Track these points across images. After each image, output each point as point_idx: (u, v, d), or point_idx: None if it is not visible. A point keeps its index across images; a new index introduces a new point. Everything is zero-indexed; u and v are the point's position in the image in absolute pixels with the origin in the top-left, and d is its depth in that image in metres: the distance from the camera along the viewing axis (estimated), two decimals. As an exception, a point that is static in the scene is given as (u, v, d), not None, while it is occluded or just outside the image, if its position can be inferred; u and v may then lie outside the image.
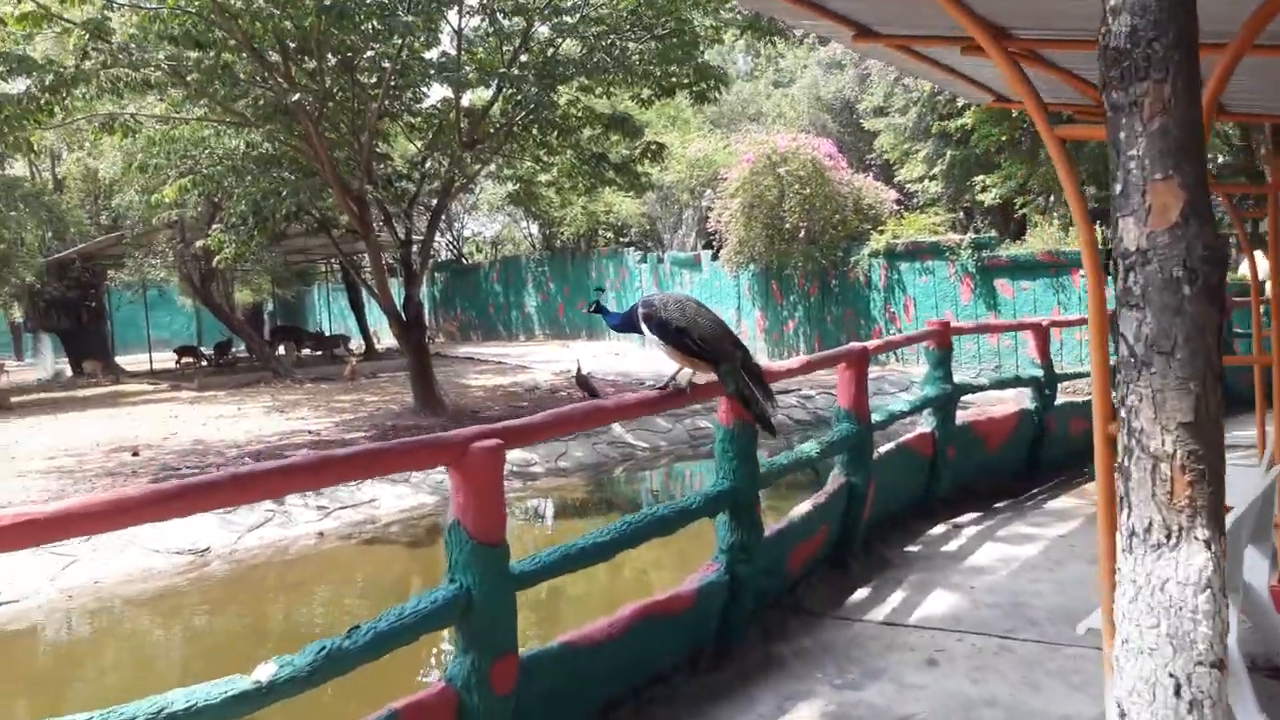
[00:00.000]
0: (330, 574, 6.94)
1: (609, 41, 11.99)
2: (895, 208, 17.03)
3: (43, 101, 8.74)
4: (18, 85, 8.80)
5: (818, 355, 5.82)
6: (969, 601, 4.70)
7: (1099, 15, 1.69)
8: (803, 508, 4.94)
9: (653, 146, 13.70)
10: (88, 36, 9.38)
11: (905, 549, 5.70)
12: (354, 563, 7.13)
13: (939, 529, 6.12)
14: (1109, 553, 2.32)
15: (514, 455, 10.02)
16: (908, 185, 19.73)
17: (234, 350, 24.74)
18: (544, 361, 19.62)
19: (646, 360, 19.53)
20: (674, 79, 12.82)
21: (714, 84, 13.03)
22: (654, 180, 16.04)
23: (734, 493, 4.05)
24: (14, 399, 18.23)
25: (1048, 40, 3.24)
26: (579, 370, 14.44)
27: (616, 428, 11.29)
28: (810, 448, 5.09)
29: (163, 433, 12.17)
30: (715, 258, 19.00)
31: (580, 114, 13.20)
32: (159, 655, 5.92)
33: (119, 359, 25.31)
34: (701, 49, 12.82)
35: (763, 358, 18.21)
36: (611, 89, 13.50)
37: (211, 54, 10.39)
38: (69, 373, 23.97)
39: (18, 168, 21.41)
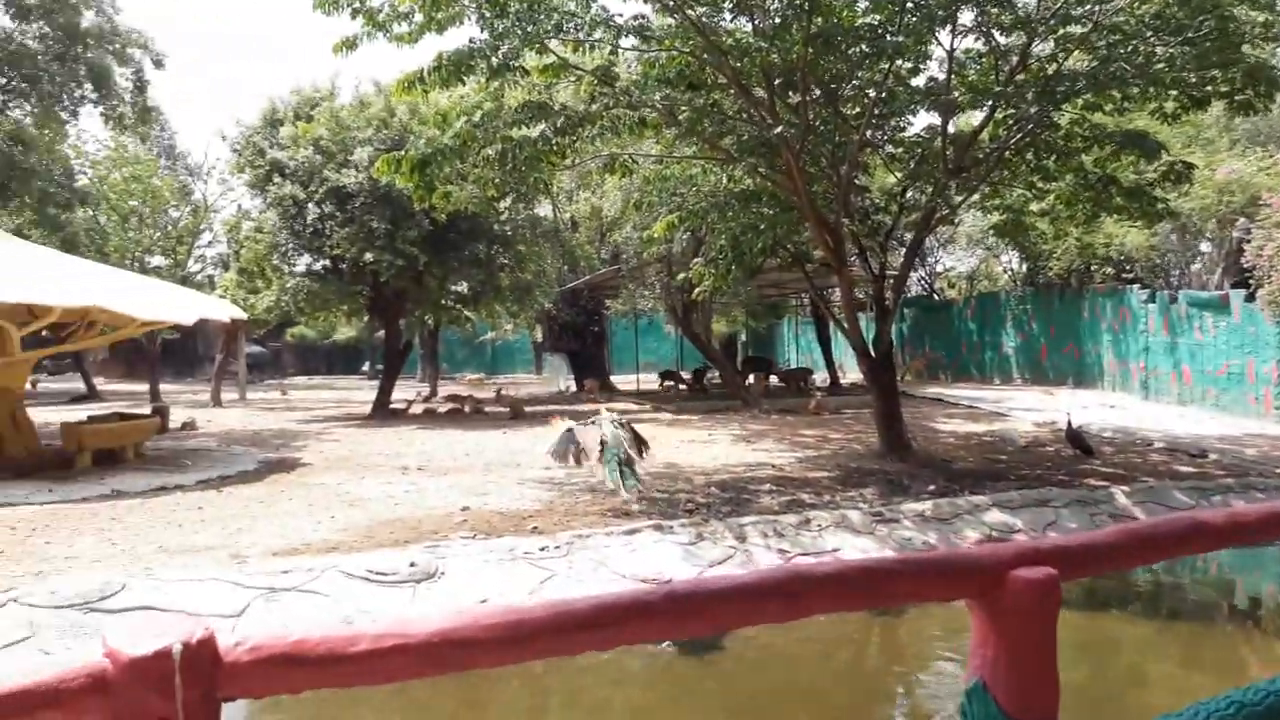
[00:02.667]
0: (787, 631, 6.54)
1: (1129, 49, 10.37)
2: None
3: (555, 144, 9.61)
4: (535, 130, 9.75)
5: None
6: None
7: None
8: None
9: (1177, 167, 11.63)
10: (596, 82, 10.16)
11: None
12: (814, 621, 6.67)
13: None
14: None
15: (995, 518, 8.93)
16: None
17: (708, 377, 26.05)
18: (1024, 409, 17.82)
19: (1151, 414, 16.85)
20: (1210, 87, 10.76)
21: (1264, 90, 10.71)
22: (1171, 207, 13.71)
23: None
24: (527, 408, 20.80)
25: None
26: (1069, 423, 12.74)
27: (1122, 499, 9.61)
28: None
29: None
30: (1251, 299, 15.82)
31: (1086, 133, 11.62)
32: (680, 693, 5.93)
33: (614, 378, 28.07)
34: (1250, 50, 10.59)
35: (1313, 425, 14.71)
36: (1125, 104, 11.75)
37: (702, 93, 10.77)
38: (574, 388, 27.03)
39: (541, 208, 24.61)
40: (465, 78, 9.65)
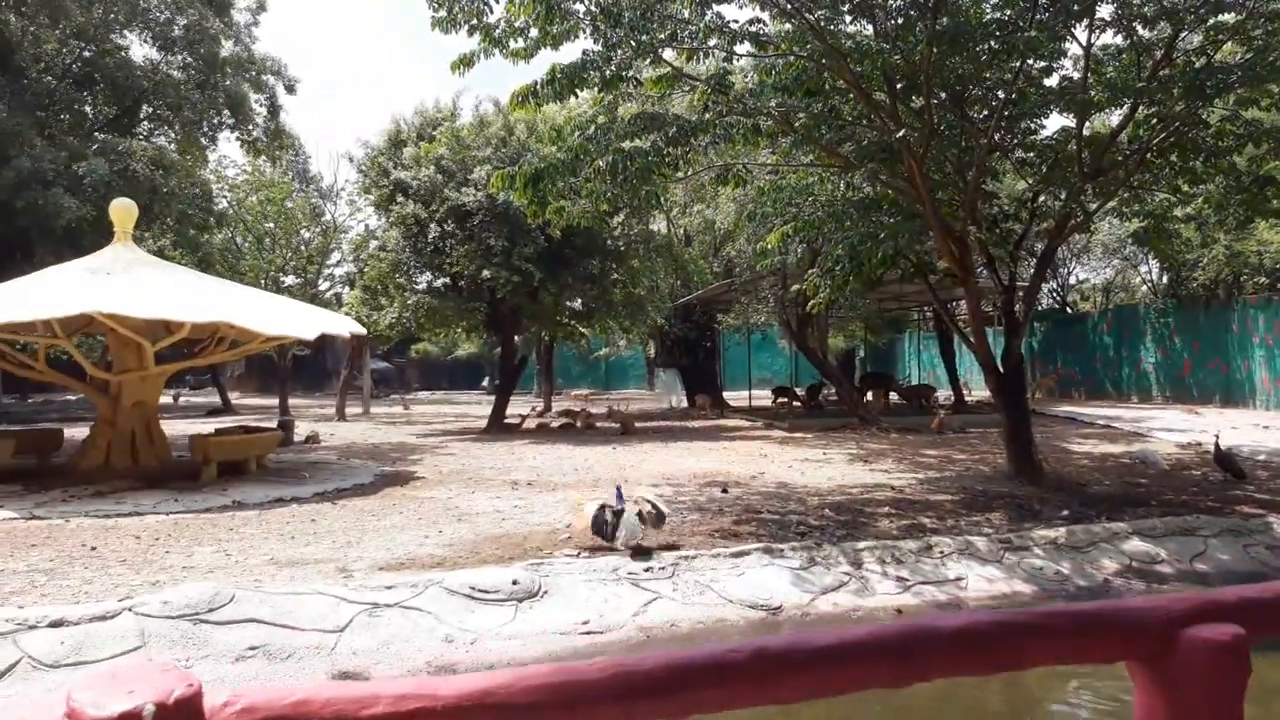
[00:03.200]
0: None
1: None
2: None
3: (666, 154, 9.40)
4: (646, 141, 9.56)
5: None
6: None
7: None
8: None
9: (1346, 166, 10.59)
10: (709, 91, 9.93)
11: None
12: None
13: None
14: None
15: (1135, 548, 8.23)
16: None
17: (824, 393, 25.43)
18: (1165, 429, 16.63)
19: (1313, 438, 15.44)
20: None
21: None
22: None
23: None
24: (637, 424, 20.66)
25: None
26: (1217, 444, 11.75)
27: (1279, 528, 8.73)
28: None
29: (752, 471, 12.51)
30: None
31: (1240, 130, 10.71)
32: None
33: (729, 394, 27.71)
34: None
35: None
36: (1285, 98, 10.78)
37: (820, 99, 10.40)
38: (685, 404, 26.80)
39: (656, 223, 24.52)
40: (579, 90, 9.57)
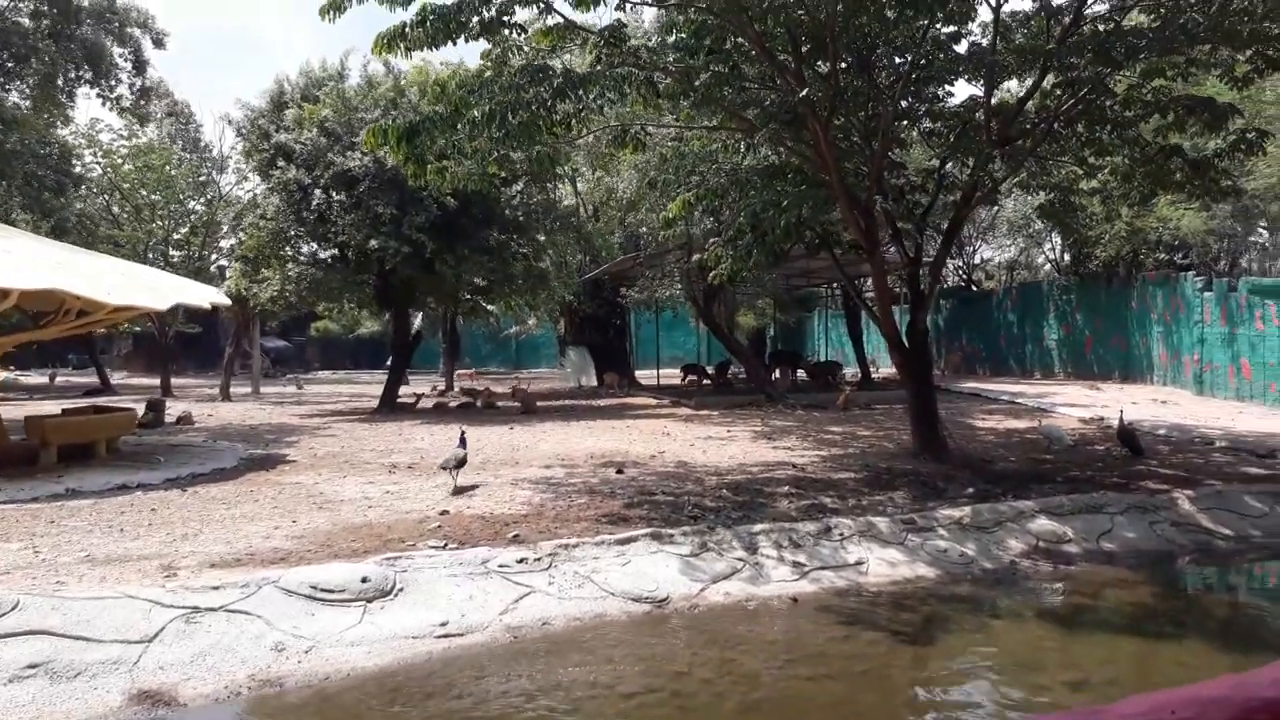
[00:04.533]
0: (808, 662, 5.49)
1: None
2: None
3: (551, 107, 8.62)
4: (530, 94, 8.75)
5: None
6: None
7: None
8: None
9: (1249, 135, 10.41)
10: (603, 43, 9.18)
11: None
12: (829, 650, 5.62)
13: None
14: None
15: (1042, 527, 7.84)
16: None
17: (733, 371, 25.00)
18: (1068, 405, 16.59)
19: (1208, 410, 15.57)
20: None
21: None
22: (1237, 184, 12.48)
23: None
24: (542, 403, 19.86)
25: None
26: (1121, 421, 11.61)
27: (1186, 505, 8.47)
28: None
29: (652, 450, 11.89)
30: (1321, 286, 14.54)
31: (1147, 97, 10.45)
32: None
33: (640, 373, 27.08)
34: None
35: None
36: (1191, 70, 10.55)
37: (722, 58, 9.75)
38: (595, 383, 26.07)
39: (564, 195, 23.66)
40: (456, 36, 8.71)
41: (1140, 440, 11.34)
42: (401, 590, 5.97)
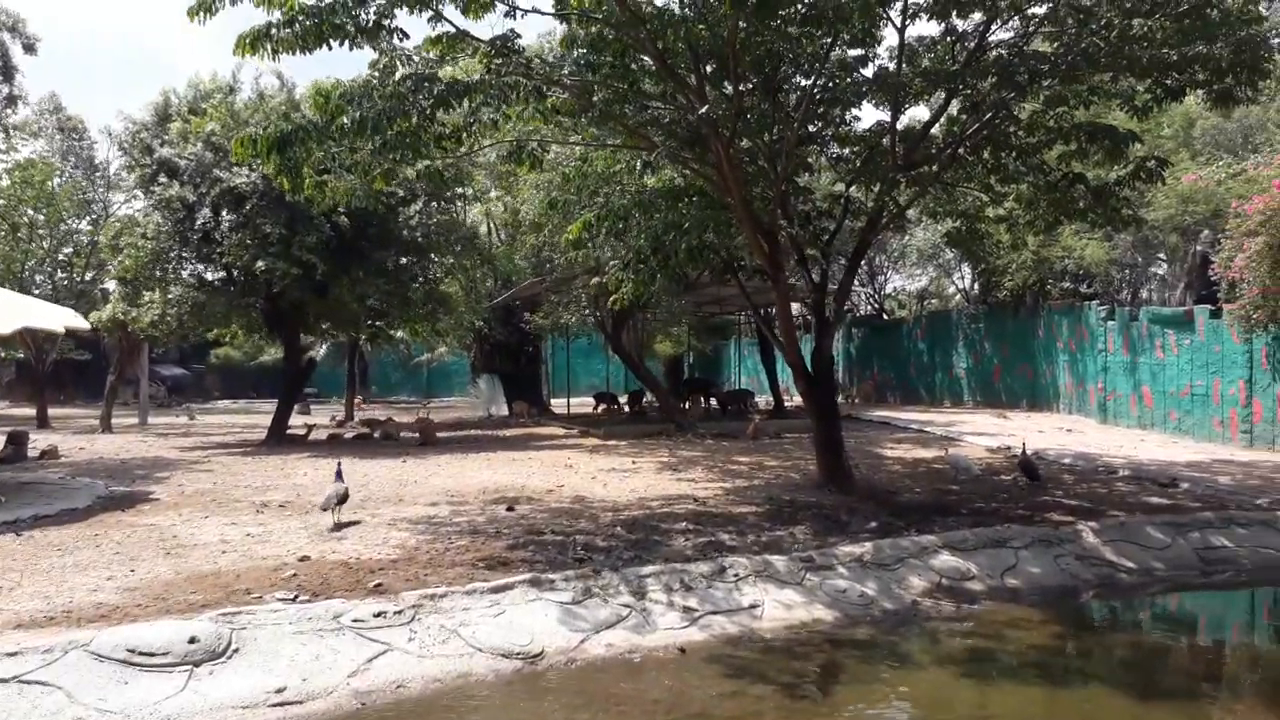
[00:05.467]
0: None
1: (1102, 24, 9.15)
2: None
3: (430, 115, 8.05)
4: (412, 104, 8.15)
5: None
6: None
7: None
8: None
9: (1149, 164, 10.40)
10: (492, 52, 8.66)
11: None
12: (713, 710, 5.09)
13: None
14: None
15: (945, 563, 7.48)
16: None
17: (647, 400, 24.54)
18: (975, 434, 16.53)
19: (1112, 439, 15.64)
20: (1188, 73, 9.57)
21: (1247, 76, 9.53)
22: (1137, 213, 12.54)
23: None
24: (449, 433, 19.06)
25: None
26: (1024, 451, 11.50)
27: (1090, 537, 8.23)
28: None
29: (551, 484, 11.29)
30: (1216, 315, 14.74)
31: (1050, 123, 10.37)
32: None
33: (556, 401, 26.39)
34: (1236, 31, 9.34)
35: (1291, 451, 13.58)
36: (1093, 98, 10.51)
37: (619, 69, 9.32)
38: (505, 412, 25.31)
39: (470, 216, 22.96)
40: (330, 39, 8.08)
41: (1039, 470, 11.23)
42: (236, 651, 5.25)
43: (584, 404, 26.66)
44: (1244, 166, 16.24)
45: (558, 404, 26.31)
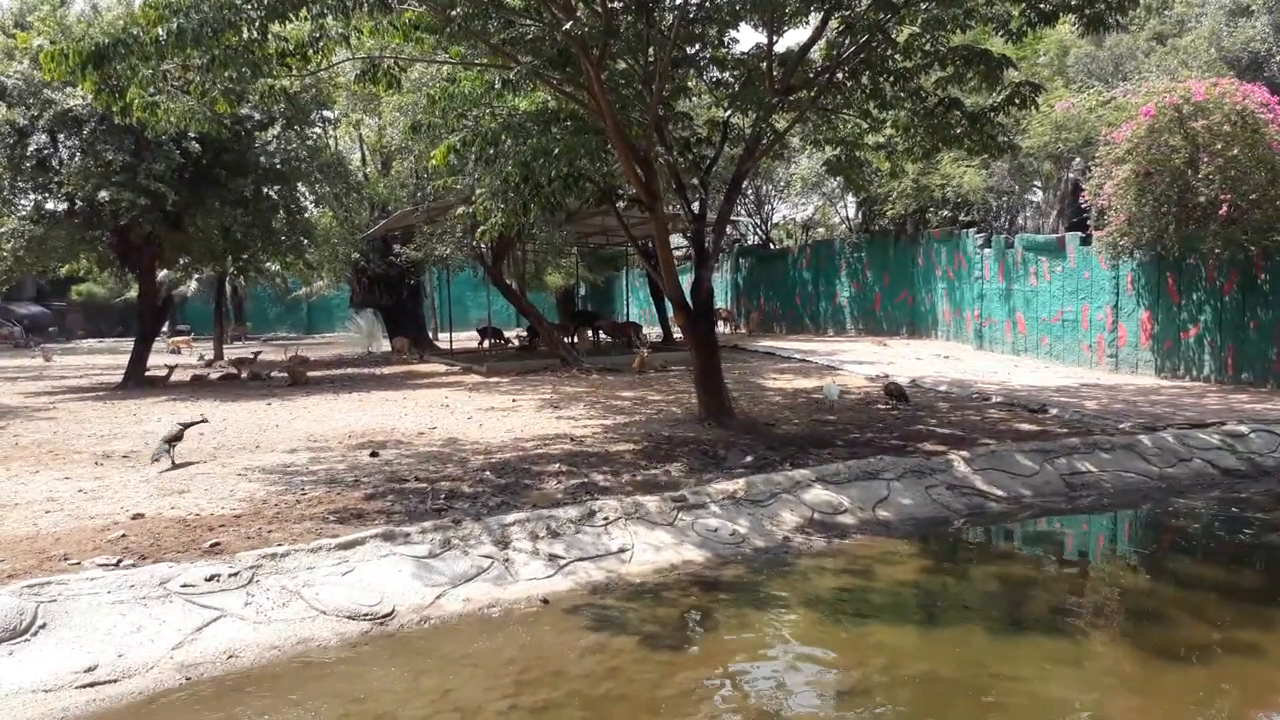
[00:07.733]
0: (544, 685, 4.69)
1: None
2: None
3: (262, 26, 7.31)
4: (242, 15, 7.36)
5: None
6: None
7: None
8: None
9: (1023, 89, 10.35)
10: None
11: None
12: (570, 669, 4.85)
13: None
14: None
15: (818, 497, 7.39)
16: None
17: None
18: (856, 362, 16.71)
19: (987, 365, 16.02)
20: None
21: (1118, 1, 9.50)
22: (1012, 140, 12.60)
23: None
24: (323, 372, 18.27)
25: None
26: (891, 380, 11.66)
27: (961, 467, 8.28)
28: None
29: (422, 425, 10.83)
30: (1086, 242, 15.10)
31: (927, 48, 10.19)
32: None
33: (442, 337, 25.57)
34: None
35: (1148, 372, 14.12)
36: (969, 19, 10.34)
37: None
38: (385, 348, 24.46)
39: (339, 140, 21.75)
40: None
41: (907, 393, 11.58)
42: (44, 627, 4.74)
43: (470, 339, 26.01)
44: (1114, 95, 16.54)
45: (443, 340, 25.58)
